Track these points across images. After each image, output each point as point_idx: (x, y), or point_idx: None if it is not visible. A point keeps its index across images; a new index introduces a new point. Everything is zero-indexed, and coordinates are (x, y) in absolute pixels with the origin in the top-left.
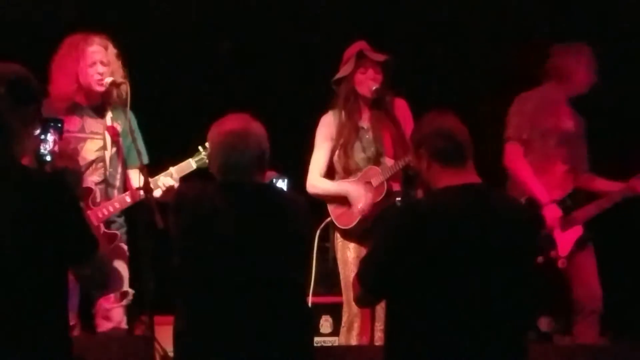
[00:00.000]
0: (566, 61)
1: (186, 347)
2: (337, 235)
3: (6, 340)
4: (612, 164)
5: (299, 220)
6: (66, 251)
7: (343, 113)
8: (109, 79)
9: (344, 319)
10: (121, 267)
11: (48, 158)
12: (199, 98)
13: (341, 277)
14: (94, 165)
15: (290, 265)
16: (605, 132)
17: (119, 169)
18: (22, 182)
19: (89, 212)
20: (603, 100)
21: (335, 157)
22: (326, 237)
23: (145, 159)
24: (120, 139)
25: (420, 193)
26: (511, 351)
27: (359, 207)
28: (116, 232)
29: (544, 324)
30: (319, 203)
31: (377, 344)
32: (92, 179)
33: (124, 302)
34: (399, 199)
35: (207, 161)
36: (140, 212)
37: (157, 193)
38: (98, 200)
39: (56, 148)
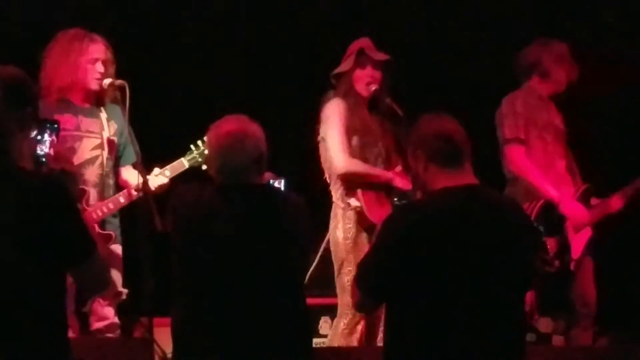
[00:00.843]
0: (546, 58)
1: (185, 348)
2: (354, 225)
3: (4, 343)
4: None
5: (299, 221)
6: (64, 253)
7: (349, 106)
8: (107, 80)
9: (347, 320)
10: (114, 268)
11: (44, 160)
12: (197, 97)
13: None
14: (90, 165)
15: (289, 266)
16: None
17: (115, 169)
18: (19, 184)
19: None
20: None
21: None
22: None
23: (138, 159)
24: (114, 139)
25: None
26: (510, 352)
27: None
28: (111, 232)
29: (543, 325)
30: (319, 203)
31: (379, 344)
32: (88, 178)
33: (116, 302)
34: (396, 199)
35: (199, 160)
36: (139, 213)
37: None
38: (92, 201)
39: (52, 151)
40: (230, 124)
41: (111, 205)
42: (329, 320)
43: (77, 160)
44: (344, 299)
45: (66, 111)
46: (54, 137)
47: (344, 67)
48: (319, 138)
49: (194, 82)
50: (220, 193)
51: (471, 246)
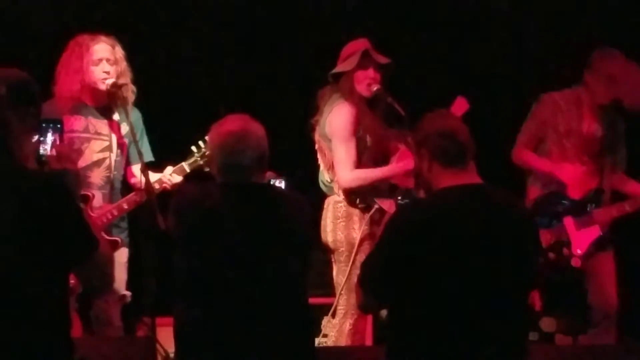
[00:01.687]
0: (599, 70)
1: (187, 348)
2: (372, 226)
3: (7, 342)
4: None
5: (301, 220)
6: (66, 251)
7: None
8: (110, 80)
9: (352, 320)
10: (120, 270)
11: (46, 159)
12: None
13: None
14: (96, 167)
15: (292, 265)
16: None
17: (123, 171)
18: (21, 183)
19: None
20: None
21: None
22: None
23: (150, 156)
24: (126, 140)
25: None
26: (513, 351)
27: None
28: (117, 238)
29: (546, 324)
30: (320, 202)
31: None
32: (93, 181)
33: (121, 304)
34: (400, 197)
35: (200, 162)
36: (142, 213)
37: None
38: (97, 203)
39: (54, 151)
40: (232, 123)
41: (115, 212)
42: (332, 320)
43: (83, 162)
44: (351, 299)
45: (77, 112)
46: (56, 137)
47: (345, 66)
48: (319, 136)
49: (193, 82)
50: (223, 192)
51: (475, 245)
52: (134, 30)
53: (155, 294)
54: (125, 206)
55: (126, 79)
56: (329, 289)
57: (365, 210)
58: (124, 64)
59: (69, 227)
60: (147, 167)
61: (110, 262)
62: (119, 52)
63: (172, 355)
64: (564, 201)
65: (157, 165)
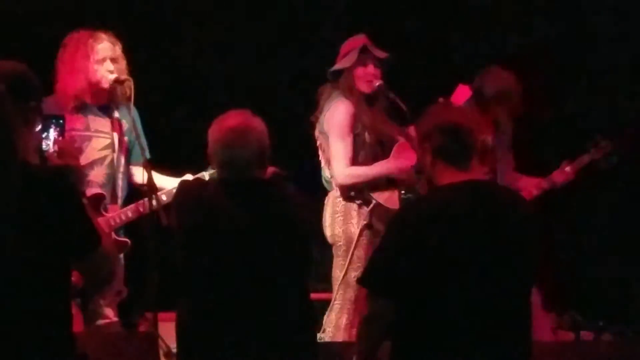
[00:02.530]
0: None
1: (189, 343)
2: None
3: (9, 337)
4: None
5: (301, 215)
6: (68, 245)
7: (356, 104)
8: (112, 76)
9: (347, 315)
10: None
11: (48, 155)
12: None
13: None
14: (97, 165)
15: (292, 261)
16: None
17: (125, 169)
18: (23, 177)
19: (100, 219)
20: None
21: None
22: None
23: (147, 155)
24: (126, 138)
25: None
26: (516, 348)
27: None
28: (127, 240)
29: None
30: (320, 197)
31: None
32: (94, 179)
33: (117, 301)
34: (403, 192)
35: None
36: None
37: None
38: (108, 205)
39: (56, 147)
40: (233, 118)
41: (123, 217)
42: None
43: (84, 160)
44: (347, 294)
45: (78, 111)
46: (58, 133)
47: (344, 63)
48: (319, 133)
49: (194, 80)
50: (223, 188)
51: (476, 241)
52: (133, 28)
53: (157, 290)
54: (130, 214)
55: (127, 75)
56: (330, 284)
57: (363, 205)
58: (123, 61)
59: (73, 222)
60: (149, 163)
61: (113, 259)
62: (119, 49)
63: (174, 350)
64: None
65: (156, 165)
